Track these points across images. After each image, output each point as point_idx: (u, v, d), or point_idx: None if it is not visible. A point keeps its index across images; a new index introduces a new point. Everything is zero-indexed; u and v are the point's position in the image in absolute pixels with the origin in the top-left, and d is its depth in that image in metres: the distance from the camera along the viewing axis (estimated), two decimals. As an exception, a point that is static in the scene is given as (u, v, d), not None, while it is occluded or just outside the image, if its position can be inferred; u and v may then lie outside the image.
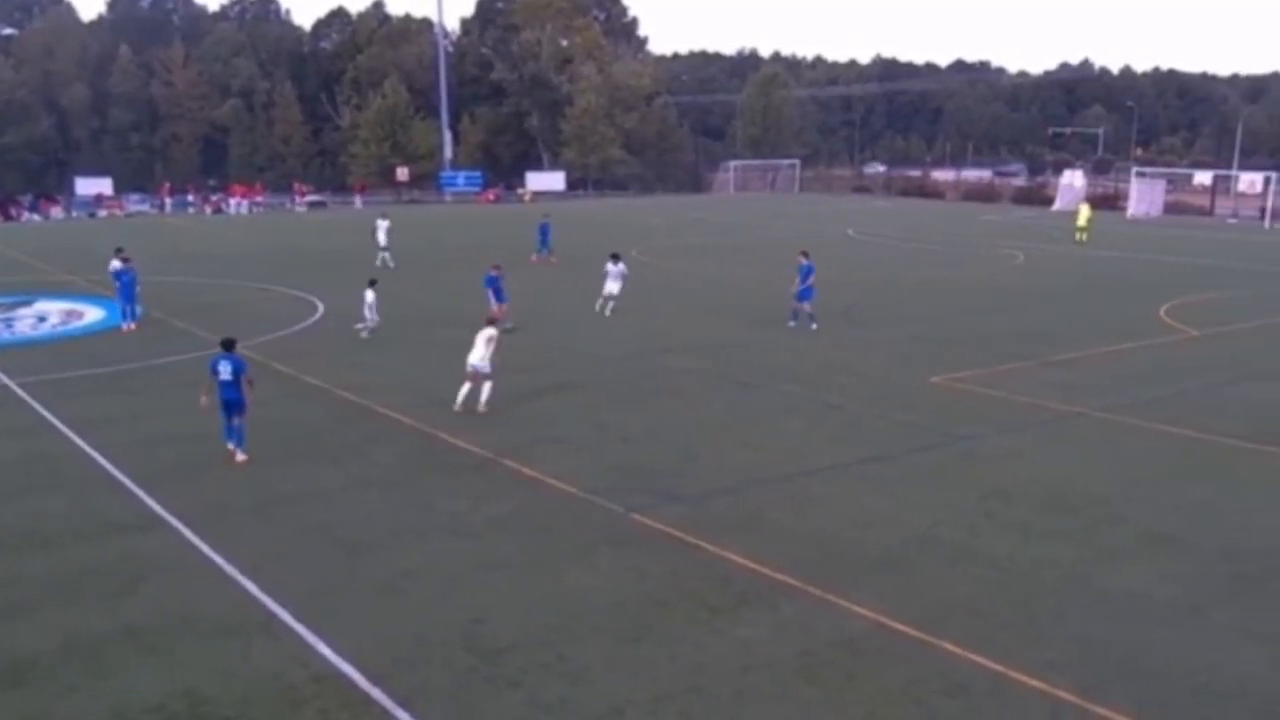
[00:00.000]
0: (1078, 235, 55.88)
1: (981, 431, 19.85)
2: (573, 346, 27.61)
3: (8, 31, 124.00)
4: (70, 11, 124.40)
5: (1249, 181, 75.83)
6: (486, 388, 20.48)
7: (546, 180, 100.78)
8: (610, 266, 31.81)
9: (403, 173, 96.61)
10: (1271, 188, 69.96)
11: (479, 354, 20.44)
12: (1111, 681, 10.79)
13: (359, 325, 28.55)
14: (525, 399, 21.79)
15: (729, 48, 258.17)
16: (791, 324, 29.51)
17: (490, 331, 20.69)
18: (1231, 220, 71.10)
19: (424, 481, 16.92)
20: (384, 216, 45.08)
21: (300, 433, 19.73)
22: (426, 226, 64.51)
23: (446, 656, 11.29)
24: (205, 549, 14.07)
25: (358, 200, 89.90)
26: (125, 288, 29.66)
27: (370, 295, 28.45)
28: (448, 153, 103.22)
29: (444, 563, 13.74)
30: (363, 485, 16.78)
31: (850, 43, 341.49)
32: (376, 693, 10.54)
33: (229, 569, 13.43)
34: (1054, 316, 32.24)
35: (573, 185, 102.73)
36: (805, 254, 29.75)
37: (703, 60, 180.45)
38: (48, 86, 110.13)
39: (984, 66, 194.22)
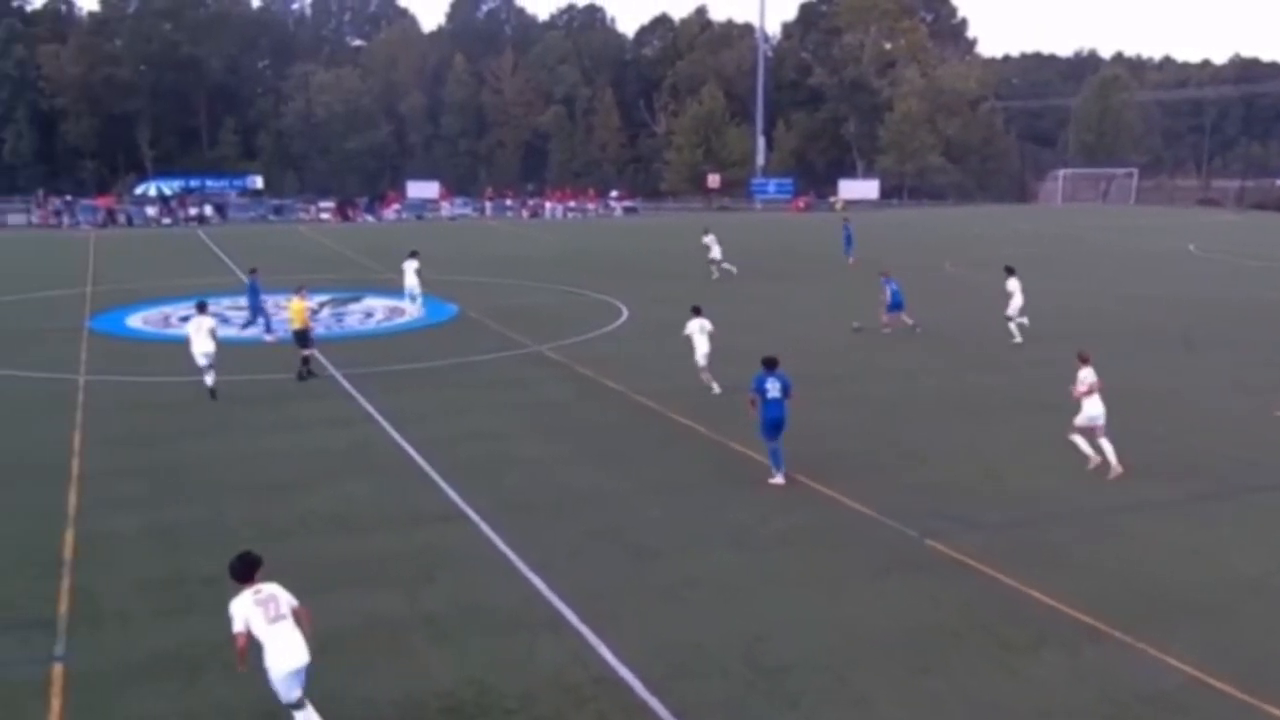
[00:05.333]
0: None
1: (1334, 474, 18.05)
2: (871, 361, 27.20)
3: (357, 43, 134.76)
4: (414, 23, 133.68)
5: None
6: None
7: (859, 188, 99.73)
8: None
9: (714, 180, 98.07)
10: None
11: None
12: None
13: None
14: (823, 412, 21.67)
15: (1065, 49, 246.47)
16: None
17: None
18: None
19: (714, 491, 17.10)
20: (707, 232, 44.67)
21: (598, 435, 20.43)
22: (742, 231, 65.23)
23: (725, 669, 11.35)
24: (500, 544, 14.78)
25: (617, 208, 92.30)
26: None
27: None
28: (760, 159, 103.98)
29: (728, 574, 13.83)
30: (654, 490, 17.16)
31: (1204, 42, 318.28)
32: (654, 702, 10.73)
33: (520, 565, 14.04)
34: None
35: (886, 194, 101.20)
36: None
37: (1035, 62, 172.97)
38: (389, 95, 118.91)
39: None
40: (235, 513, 16.11)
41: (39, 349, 28.47)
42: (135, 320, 32.69)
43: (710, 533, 15.29)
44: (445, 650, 11.84)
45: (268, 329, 30.07)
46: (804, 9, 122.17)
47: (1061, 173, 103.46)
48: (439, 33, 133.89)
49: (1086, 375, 17.91)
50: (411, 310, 34.37)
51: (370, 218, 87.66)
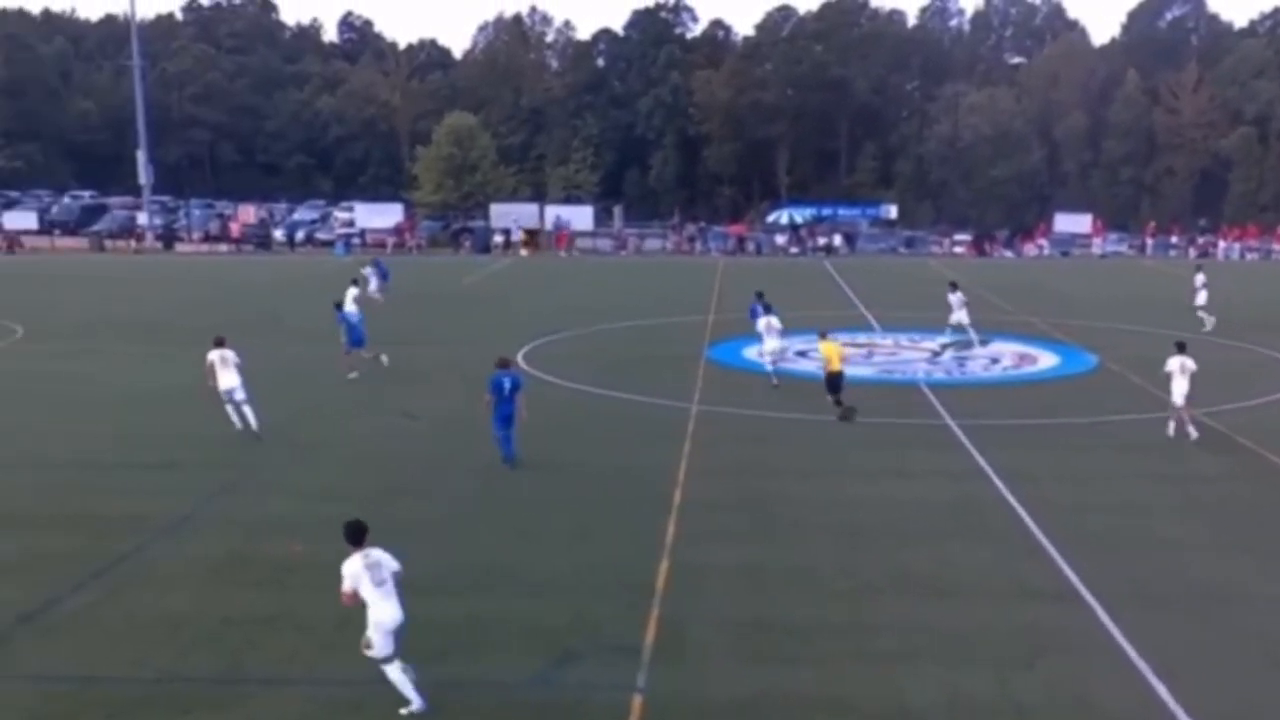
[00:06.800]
0: None
1: None
2: None
3: (1015, 60, 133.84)
4: (1082, 36, 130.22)
5: None
6: None
7: None
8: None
9: None
10: None
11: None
12: None
13: None
14: None
15: None
16: None
17: None
18: None
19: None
20: (1199, 269, 44.54)
21: (1255, 521, 18.56)
22: None
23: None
24: (1118, 636, 13.83)
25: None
26: None
27: None
28: None
29: None
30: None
31: None
32: None
33: (1140, 664, 13.05)
34: None
35: None
36: None
37: None
38: (1045, 116, 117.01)
39: None
40: (827, 559, 16.55)
41: (661, 376, 31.05)
42: (750, 352, 34.65)
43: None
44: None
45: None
46: None
47: None
48: (1111, 46, 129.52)
49: None
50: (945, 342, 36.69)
51: (1009, 253, 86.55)
